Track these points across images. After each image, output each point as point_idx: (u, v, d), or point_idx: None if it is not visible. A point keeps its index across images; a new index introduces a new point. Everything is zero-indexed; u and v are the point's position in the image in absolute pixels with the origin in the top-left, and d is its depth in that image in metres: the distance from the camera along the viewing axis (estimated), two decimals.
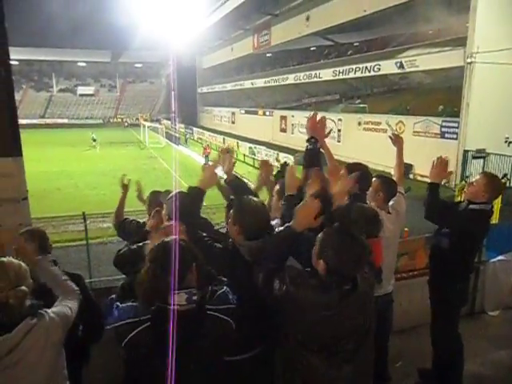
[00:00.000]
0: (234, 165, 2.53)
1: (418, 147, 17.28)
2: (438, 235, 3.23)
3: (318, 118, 2.59)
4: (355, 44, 33.46)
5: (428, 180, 3.18)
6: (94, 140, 33.12)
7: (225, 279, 1.92)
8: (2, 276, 1.77)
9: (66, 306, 1.96)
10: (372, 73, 24.44)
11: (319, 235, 1.85)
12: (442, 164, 3.11)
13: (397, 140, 3.33)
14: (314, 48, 37.42)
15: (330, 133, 2.67)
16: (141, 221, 3.21)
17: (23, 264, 1.88)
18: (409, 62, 21.37)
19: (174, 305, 1.62)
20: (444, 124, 18.21)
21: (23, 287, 1.79)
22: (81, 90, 65.90)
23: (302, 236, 1.95)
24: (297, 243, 1.95)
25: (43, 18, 38.96)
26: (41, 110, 60.82)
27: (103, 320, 2.56)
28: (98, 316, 2.59)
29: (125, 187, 3.43)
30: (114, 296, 2.01)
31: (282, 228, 2.00)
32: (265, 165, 3.16)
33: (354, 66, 25.85)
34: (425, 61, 20.49)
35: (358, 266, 1.79)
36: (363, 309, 1.85)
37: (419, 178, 16.70)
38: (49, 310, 1.88)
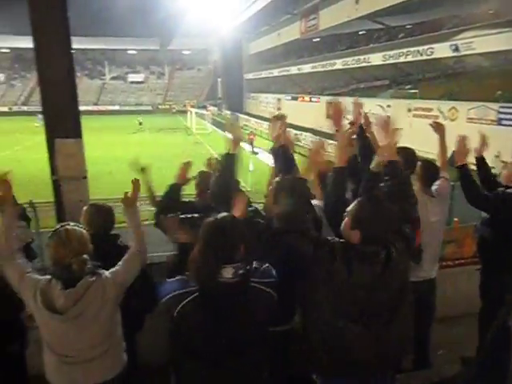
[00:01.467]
0: (284, 131, 2.57)
1: (471, 134, 16.44)
2: (480, 224, 3.15)
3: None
4: (407, 27, 32.07)
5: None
6: (140, 123, 35.30)
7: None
8: (66, 244, 2.00)
9: (121, 266, 2.17)
10: (424, 56, 23.45)
11: (351, 208, 1.92)
12: (461, 145, 3.01)
13: (438, 127, 3.26)
14: (364, 32, 36.26)
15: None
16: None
17: (85, 231, 2.08)
18: (465, 45, 20.31)
19: (221, 278, 1.74)
20: (502, 110, 17.20)
21: (84, 256, 2.01)
22: (131, 77, 68.12)
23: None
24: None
25: (95, 8, 40.46)
26: (94, 97, 63.37)
27: (156, 292, 2.78)
28: (151, 287, 2.79)
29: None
30: None
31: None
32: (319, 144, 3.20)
33: (405, 50, 24.90)
34: (482, 43, 19.41)
35: (389, 229, 1.87)
36: (398, 280, 1.90)
37: (471, 166, 15.97)
38: (105, 271, 2.11)
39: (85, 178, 3.45)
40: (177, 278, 1.85)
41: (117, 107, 61.23)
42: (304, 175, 2.42)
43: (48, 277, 2.02)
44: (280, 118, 2.58)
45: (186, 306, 1.74)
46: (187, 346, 1.85)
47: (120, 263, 2.19)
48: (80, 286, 1.99)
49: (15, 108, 56.22)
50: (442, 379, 3.27)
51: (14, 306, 2.61)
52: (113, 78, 68.30)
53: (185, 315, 1.75)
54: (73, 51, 3.47)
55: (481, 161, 3.20)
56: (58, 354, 2.06)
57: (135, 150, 24.30)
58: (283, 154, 2.63)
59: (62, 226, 2.07)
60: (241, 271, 1.77)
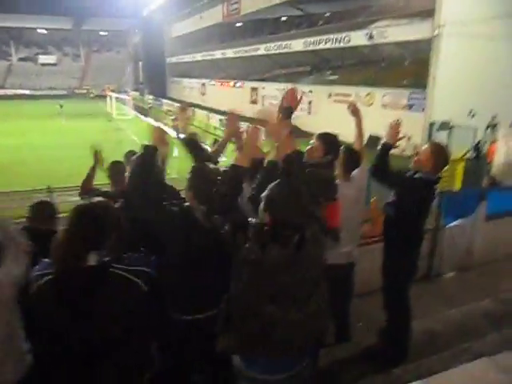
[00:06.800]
0: (189, 121, 2.53)
1: (386, 119, 17.47)
2: (385, 204, 3.29)
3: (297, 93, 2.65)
4: (326, 15, 33.06)
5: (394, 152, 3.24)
6: (61, 106, 33.39)
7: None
8: None
9: (12, 267, 1.93)
10: (342, 44, 24.37)
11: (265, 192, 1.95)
12: (394, 127, 3.17)
13: (354, 110, 3.32)
14: (286, 18, 36.75)
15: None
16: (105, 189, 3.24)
17: None
18: (379, 33, 21.39)
19: (83, 265, 1.67)
20: (412, 96, 18.49)
21: None
22: (42, 58, 62.84)
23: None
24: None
25: None
26: (0, 80, 57.77)
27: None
28: None
29: (96, 157, 3.43)
30: None
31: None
32: (231, 116, 3.09)
33: (324, 37, 25.67)
34: (394, 32, 20.55)
35: (300, 213, 1.88)
36: (313, 262, 1.96)
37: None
38: None
39: None
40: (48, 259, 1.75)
41: (27, 91, 56.24)
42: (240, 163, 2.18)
43: None
44: (185, 108, 2.52)
45: (41, 286, 1.67)
46: (45, 337, 1.75)
47: (11, 261, 1.94)
48: None
49: None
50: (361, 350, 3.50)
51: None
52: (21, 59, 62.49)
53: (39, 295, 1.68)
54: None
55: (387, 147, 3.18)
56: None
57: (51, 138, 22.69)
58: (195, 143, 2.62)
59: None
60: (105, 259, 1.70)
